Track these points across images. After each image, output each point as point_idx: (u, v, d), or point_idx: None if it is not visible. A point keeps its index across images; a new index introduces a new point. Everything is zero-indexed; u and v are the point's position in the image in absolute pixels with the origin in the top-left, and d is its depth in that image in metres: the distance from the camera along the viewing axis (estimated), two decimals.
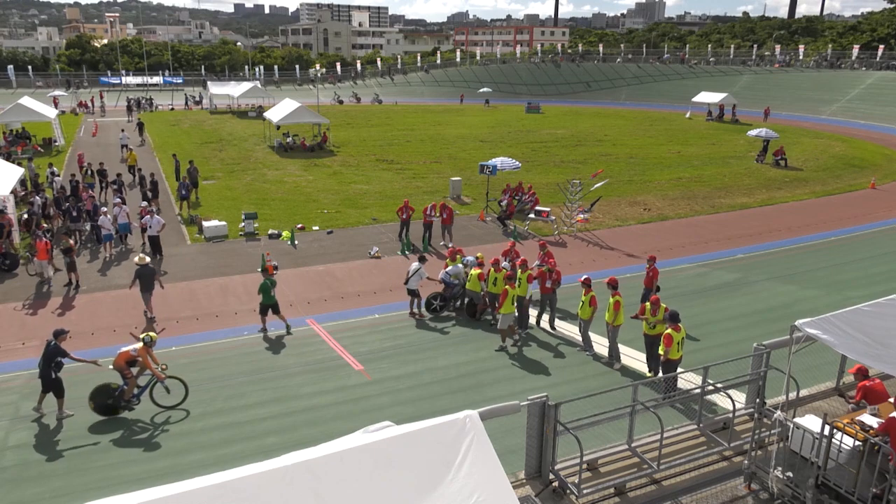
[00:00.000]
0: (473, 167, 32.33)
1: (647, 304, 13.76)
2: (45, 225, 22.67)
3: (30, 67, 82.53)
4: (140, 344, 12.41)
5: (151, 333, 12.65)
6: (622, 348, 14.72)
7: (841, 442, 7.97)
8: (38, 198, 23.76)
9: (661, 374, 12.90)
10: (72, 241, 19.34)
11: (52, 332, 12.21)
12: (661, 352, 12.40)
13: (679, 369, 12.06)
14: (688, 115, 62.54)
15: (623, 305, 14.10)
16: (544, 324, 16.58)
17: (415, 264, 17.27)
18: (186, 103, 69.71)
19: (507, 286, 14.89)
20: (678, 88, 78.19)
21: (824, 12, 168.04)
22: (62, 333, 12.19)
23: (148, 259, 17.45)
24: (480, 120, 60.62)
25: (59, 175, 28.03)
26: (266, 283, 15.93)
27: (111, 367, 12.53)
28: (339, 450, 5.27)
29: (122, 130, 42.37)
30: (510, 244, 19.31)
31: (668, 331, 12.23)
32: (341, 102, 73.40)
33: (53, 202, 24.14)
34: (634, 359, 14.56)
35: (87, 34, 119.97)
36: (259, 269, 20.36)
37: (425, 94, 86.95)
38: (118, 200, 23.51)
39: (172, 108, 67.31)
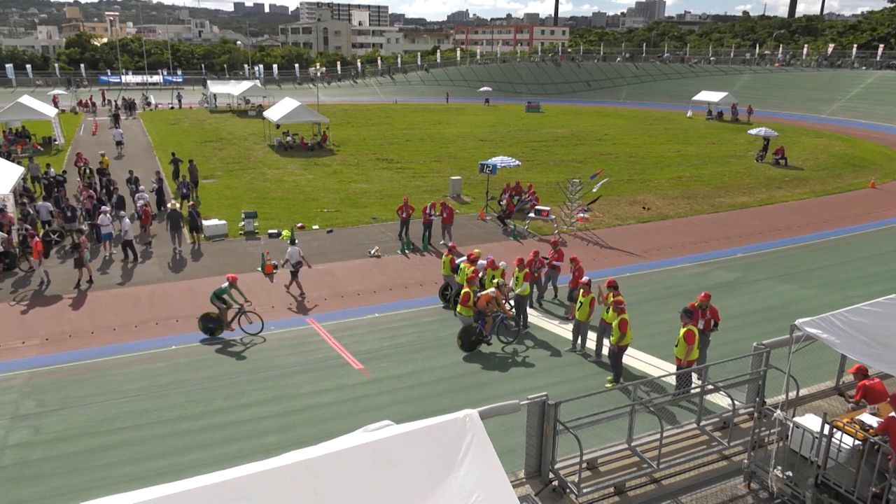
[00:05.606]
0: (473, 166, 32.31)
1: (604, 288, 14.07)
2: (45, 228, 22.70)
3: (29, 66, 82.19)
4: (494, 288, 15.10)
5: (501, 279, 15.61)
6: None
7: (841, 441, 7.97)
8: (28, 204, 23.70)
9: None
10: (83, 238, 19.21)
11: None
12: (679, 354, 11.77)
13: (679, 369, 12.00)
14: (689, 114, 62.51)
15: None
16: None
17: (292, 248, 18.51)
18: (181, 102, 69.38)
19: None
20: (678, 88, 78.15)
21: (824, 11, 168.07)
22: None
23: (178, 204, 21.90)
24: (480, 119, 60.59)
25: (57, 176, 28.00)
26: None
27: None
28: (338, 449, 5.25)
29: (117, 127, 42.34)
30: (534, 252, 17.72)
31: (689, 328, 11.69)
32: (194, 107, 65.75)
33: (53, 202, 24.08)
34: (637, 359, 14.54)
35: (86, 33, 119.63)
36: (259, 268, 20.39)
37: (425, 93, 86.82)
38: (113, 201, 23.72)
39: (172, 107, 67.31)
